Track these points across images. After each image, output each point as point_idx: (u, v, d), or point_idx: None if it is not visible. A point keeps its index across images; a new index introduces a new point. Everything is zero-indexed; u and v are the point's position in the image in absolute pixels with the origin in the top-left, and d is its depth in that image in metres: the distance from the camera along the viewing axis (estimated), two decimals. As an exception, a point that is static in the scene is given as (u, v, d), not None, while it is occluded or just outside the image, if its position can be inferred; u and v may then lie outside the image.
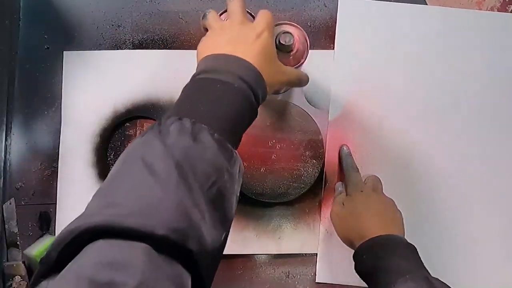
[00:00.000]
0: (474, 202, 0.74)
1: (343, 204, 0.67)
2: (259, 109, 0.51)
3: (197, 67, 0.52)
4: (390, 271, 0.55)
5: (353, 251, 0.62)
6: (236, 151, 0.47)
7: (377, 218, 0.62)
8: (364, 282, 0.60)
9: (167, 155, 0.41)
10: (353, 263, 0.61)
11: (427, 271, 0.56)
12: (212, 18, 0.56)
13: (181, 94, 0.49)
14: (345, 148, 0.73)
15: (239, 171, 0.47)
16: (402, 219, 0.65)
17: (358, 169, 0.71)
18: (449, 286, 0.53)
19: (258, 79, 0.49)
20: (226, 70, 0.48)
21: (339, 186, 0.72)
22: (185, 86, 0.50)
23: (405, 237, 0.62)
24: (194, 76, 0.50)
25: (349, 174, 0.71)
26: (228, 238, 0.72)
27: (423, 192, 0.74)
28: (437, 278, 0.54)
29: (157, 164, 0.41)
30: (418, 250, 0.59)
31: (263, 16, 0.54)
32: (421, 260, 0.58)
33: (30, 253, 0.70)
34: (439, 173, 0.75)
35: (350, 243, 0.64)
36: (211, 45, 0.53)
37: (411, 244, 0.59)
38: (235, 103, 0.47)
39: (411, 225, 0.73)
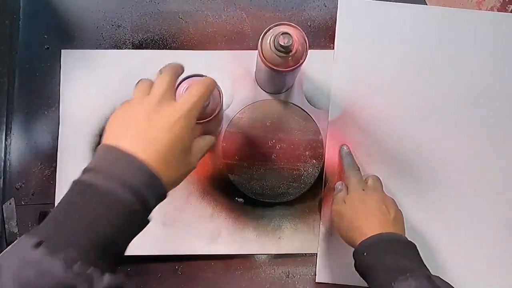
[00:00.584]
0: (474, 201, 0.74)
1: (344, 202, 0.67)
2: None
3: (92, 157, 0.47)
4: (391, 269, 0.55)
5: (353, 249, 0.62)
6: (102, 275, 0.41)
7: (378, 217, 0.62)
8: (364, 282, 0.60)
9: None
10: (353, 263, 0.61)
11: (428, 269, 0.57)
12: (140, 85, 0.50)
13: (59, 202, 0.44)
14: (345, 148, 0.73)
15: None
16: (403, 218, 0.65)
17: (358, 167, 0.71)
18: (450, 284, 0.53)
19: (153, 184, 0.44)
20: (111, 173, 0.43)
21: (339, 185, 0.71)
22: (67, 191, 0.44)
23: (406, 235, 0.62)
24: (82, 172, 0.45)
25: (349, 173, 0.71)
26: (228, 238, 0.73)
27: (423, 191, 0.74)
28: (437, 276, 0.54)
29: None
30: (418, 248, 0.59)
31: (190, 94, 0.48)
32: (421, 258, 0.58)
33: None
34: (439, 172, 0.75)
35: (350, 241, 0.63)
36: (115, 127, 0.47)
37: (412, 242, 0.59)
38: (112, 219, 0.42)
39: (411, 223, 0.73)
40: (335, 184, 0.72)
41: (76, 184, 0.44)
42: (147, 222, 0.46)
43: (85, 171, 0.44)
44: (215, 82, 0.51)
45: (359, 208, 0.64)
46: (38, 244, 0.40)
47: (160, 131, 0.45)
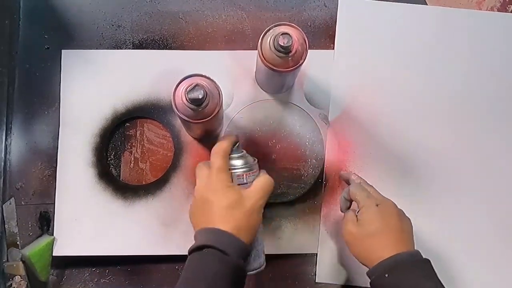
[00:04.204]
0: (474, 199, 0.74)
1: (356, 222, 0.63)
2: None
3: (194, 238, 0.59)
4: None
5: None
6: None
7: (395, 234, 0.61)
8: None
9: None
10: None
11: (443, 286, 0.58)
12: (200, 169, 0.62)
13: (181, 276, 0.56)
14: (354, 177, 0.70)
15: None
16: (412, 227, 0.64)
17: (370, 184, 0.68)
18: None
19: (245, 247, 0.58)
20: (221, 244, 0.56)
21: (343, 202, 0.68)
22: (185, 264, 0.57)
23: None
24: (195, 248, 0.57)
25: (356, 188, 0.66)
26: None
27: (423, 190, 0.74)
28: None
29: None
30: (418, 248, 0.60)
31: (260, 188, 0.61)
32: (437, 275, 0.59)
33: (25, 252, 0.70)
34: (439, 172, 0.75)
35: (366, 261, 0.61)
36: (201, 215, 0.60)
37: (427, 258, 0.60)
38: (227, 274, 0.55)
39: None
40: (338, 199, 0.70)
41: (196, 255, 0.56)
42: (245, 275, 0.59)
43: (200, 247, 0.56)
44: (272, 182, 0.62)
45: (374, 227, 0.61)
46: None
47: (241, 218, 0.58)
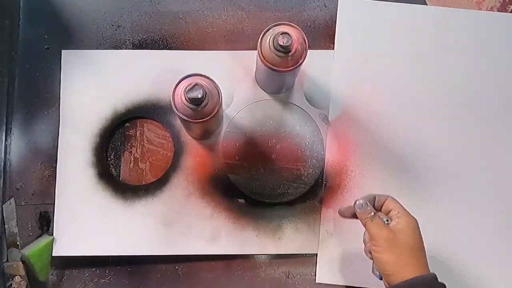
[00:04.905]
0: (474, 198, 0.74)
1: (392, 229, 0.59)
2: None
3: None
4: None
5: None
6: None
7: (422, 253, 0.59)
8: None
9: None
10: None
11: None
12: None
13: None
14: (361, 201, 0.62)
15: None
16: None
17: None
18: None
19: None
20: None
21: (364, 205, 0.61)
22: None
23: None
24: None
25: (390, 199, 0.62)
26: (228, 239, 0.73)
27: (424, 190, 0.74)
28: None
29: None
30: None
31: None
32: None
33: (25, 253, 0.70)
34: (440, 172, 0.75)
35: (390, 269, 0.58)
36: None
37: (443, 283, 0.58)
38: None
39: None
40: (356, 202, 0.61)
41: None
42: None
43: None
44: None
45: (412, 241, 0.59)
46: None
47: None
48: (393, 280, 0.57)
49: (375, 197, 0.62)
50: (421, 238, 0.59)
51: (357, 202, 0.61)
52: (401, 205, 0.61)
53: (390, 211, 0.60)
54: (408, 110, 0.75)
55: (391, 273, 0.57)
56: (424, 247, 0.59)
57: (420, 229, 0.60)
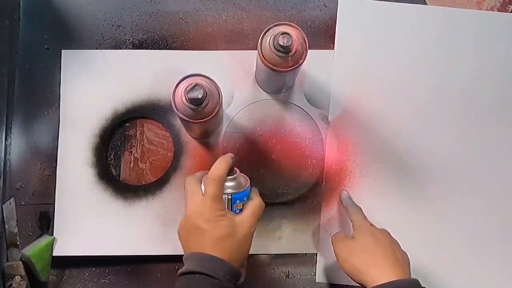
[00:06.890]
0: (474, 200, 0.74)
1: (353, 238, 0.64)
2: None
3: (184, 260, 0.58)
4: None
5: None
6: None
7: (392, 259, 0.60)
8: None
9: None
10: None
11: None
12: (192, 191, 0.60)
13: None
14: (345, 193, 0.73)
15: None
16: (409, 260, 0.63)
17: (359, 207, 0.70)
18: None
19: (233, 271, 0.57)
20: (209, 269, 0.55)
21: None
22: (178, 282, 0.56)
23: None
24: (184, 272, 0.56)
25: (353, 210, 0.69)
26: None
27: (424, 190, 0.74)
28: None
29: None
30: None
31: (250, 215, 0.60)
32: None
33: (25, 252, 0.70)
34: (440, 172, 0.75)
35: (362, 275, 0.61)
36: (190, 241, 0.59)
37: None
38: None
39: (410, 223, 0.73)
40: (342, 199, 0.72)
41: (188, 279, 0.55)
42: None
43: (192, 272, 0.55)
44: (263, 206, 0.63)
45: (371, 241, 0.62)
46: None
47: (233, 247, 0.58)
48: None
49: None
50: (387, 244, 0.62)
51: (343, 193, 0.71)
52: (360, 214, 0.67)
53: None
54: (408, 110, 0.75)
55: (364, 277, 0.60)
56: (395, 255, 0.61)
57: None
